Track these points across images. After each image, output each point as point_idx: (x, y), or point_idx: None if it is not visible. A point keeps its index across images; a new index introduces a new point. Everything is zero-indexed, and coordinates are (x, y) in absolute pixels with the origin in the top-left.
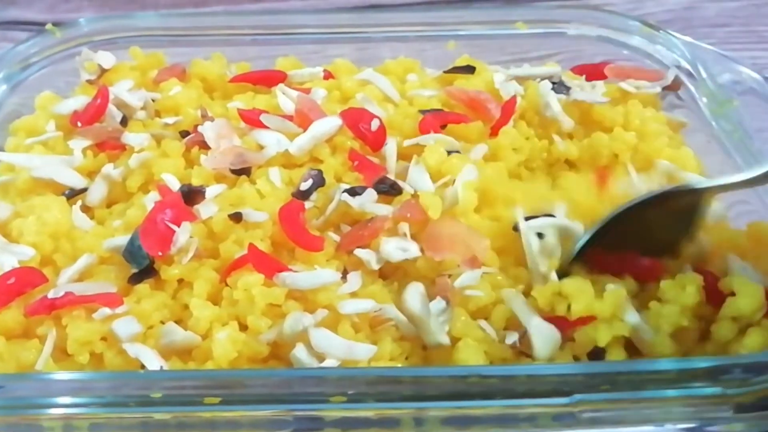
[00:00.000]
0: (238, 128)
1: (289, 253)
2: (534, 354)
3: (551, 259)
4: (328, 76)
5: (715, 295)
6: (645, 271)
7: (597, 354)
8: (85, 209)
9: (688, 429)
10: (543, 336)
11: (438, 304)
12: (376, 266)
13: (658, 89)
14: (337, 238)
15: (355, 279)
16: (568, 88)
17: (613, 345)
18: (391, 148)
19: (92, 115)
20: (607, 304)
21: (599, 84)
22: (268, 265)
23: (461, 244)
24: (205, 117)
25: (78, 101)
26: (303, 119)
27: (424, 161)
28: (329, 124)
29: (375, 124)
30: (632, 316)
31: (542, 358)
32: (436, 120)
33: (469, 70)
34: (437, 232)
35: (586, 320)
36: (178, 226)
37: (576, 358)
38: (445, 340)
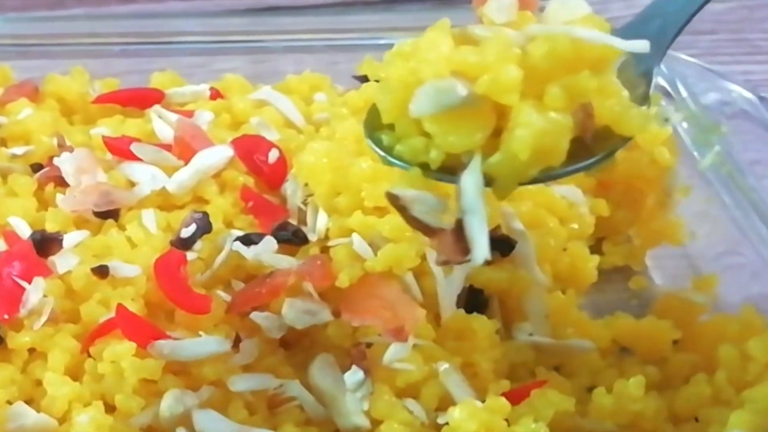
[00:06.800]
0: (104, 160)
1: (167, 315)
2: None
3: None
4: (215, 95)
5: None
6: None
7: None
8: None
9: None
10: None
11: (354, 375)
12: (276, 333)
13: None
14: (227, 297)
15: (249, 348)
16: None
17: None
18: (292, 185)
19: None
20: None
21: None
22: (141, 330)
23: (388, 311)
24: (62, 147)
25: None
26: (184, 149)
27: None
28: (217, 155)
29: (273, 156)
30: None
31: None
32: None
33: None
34: (361, 292)
35: (525, 392)
36: (29, 283)
37: None
38: (363, 422)
